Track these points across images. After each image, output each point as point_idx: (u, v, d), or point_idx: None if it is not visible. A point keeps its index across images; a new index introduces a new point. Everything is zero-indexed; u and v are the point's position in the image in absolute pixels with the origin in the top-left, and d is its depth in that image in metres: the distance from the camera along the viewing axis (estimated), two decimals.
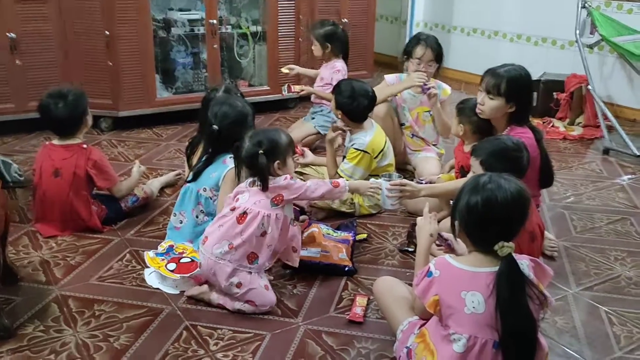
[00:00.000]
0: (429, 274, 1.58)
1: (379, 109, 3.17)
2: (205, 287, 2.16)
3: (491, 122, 2.49)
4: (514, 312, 1.48)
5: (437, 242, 1.91)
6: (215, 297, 2.13)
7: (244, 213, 2.07)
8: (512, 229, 1.56)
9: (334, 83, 3.65)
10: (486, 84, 2.40)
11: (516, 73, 2.38)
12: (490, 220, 1.53)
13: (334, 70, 3.70)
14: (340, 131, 2.90)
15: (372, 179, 2.48)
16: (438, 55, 3.16)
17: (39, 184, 2.61)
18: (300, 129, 3.80)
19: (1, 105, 3.79)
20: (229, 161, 2.39)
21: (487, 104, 2.41)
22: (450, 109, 3.18)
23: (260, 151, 2.09)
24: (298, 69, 3.93)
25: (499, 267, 1.51)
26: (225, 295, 2.11)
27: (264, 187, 2.11)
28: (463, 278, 1.54)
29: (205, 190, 2.42)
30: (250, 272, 2.08)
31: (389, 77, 3.34)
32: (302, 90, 3.73)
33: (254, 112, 2.55)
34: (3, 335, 1.92)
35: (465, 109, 2.65)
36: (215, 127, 2.38)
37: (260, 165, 2.09)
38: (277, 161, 2.13)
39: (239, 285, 2.06)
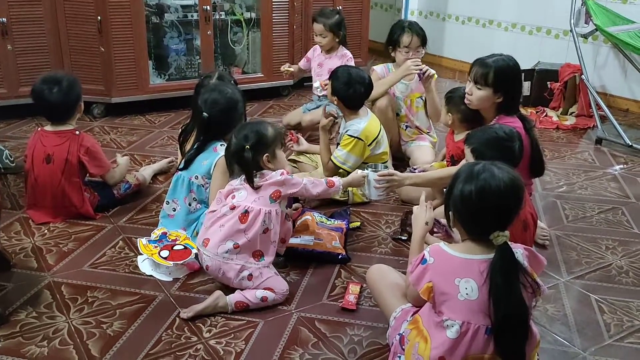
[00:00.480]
0: (423, 261, 1.59)
1: (381, 102, 3.13)
2: (217, 292, 2.05)
3: (480, 112, 2.49)
4: (506, 299, 1.49)
5: (435, 229, 1.92)
6: (231, 299, 2.03)
7: (246, 212, 2.05)
8: (507, 217, 1.56)
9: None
10: (474, 73, 2.40)
11: (504, 63, 2.37)
12: (484, 209, 1.53)
13: (347, 59, 3.69)
14: (332, 117, 2.89)
15: (358, 171, 2.47)
16: (424, 39, 3.17)
17: (31, 170, 2.59)
18: (295, 114, 3.81)
19: None
20: (219, 149, 2.38)
21: (475, 94, 2.41)
22: (436, 91, 3.19)
23: (247, 146, 2.06)
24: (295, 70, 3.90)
25: (494, 255, 1.52)
26: (241, 291, 2.06)
27: (249, 182, 2.08)
28: (457, 265, 1.55)
29: (197, 178, 2.41)
30: (259, 267, 2.08)
31: (378, 69, 3.31)
32: (290, 69, 3.77)
33: (245, 99, 2.53)
34: None
35: (454, 98, 2.64)
36: (205, 114, 2.36)
37: (247, 160, 2.07)
38: (266, 154, 2.11)
39: (249, 277, 2.05)
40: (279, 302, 2.08)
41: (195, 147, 2.43)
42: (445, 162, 2.79)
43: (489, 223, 1.53)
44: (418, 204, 2.59)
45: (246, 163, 2.09)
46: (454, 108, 2.63)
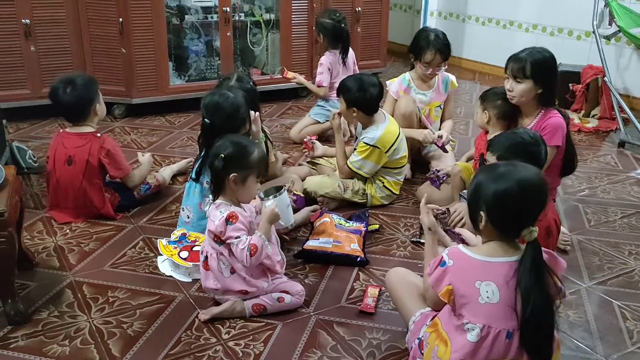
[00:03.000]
0: (442, 263, 1.58)
1: (406, 108, 3.09)
2: (232, 299, 2.01)
3: (521, 107, 2.49)
4: (536, 298, 1.48)
5: (451, 239, 1.90)
6: (248, 302, 2.01)
7: (206, 258, 2.00)
8: (540, 211, 1.56)
9: (317, 74, 3.75)
10: (511, 69, 2.42)
11: (539, 54, 2.40)
12: (526, 204, 1.52)
13: (319, 63, 3.79)
14: (338, 114, 2.89)
15: (264, 207, 2.02)
16: (447, 56, 3.14)
17: (53, 171, 2.62)
18: (300, 122, 3.83)
19: (16, 91, 3.81)
20: None
21: (516, 89, 2.41)
22: (454, 101, 3.19)
23: (222, 155, 1.94)
24: (300, 79, 3.93)
25: (525, 252, 1.51)
26: (258, 297, 2.02)
27: (214, 197, 2.00)
28: (477, 268, 1.54)
29: (208, 183, 2.34)
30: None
31: (393, 87, 3.23)
32: (294, 78, 3.87)
33: (254, 101, 2.47)
34: (18, 320, 1.95)
35: (489, 95, 2.64)
36: (207, 120, 2.30)
37: (215, 169, 1.96)
38: (235, 174, 1.95)
39: (259, 275, 2.02)
40: (298, 304, 2.07)
41: (202, 156, 2.38)
42: (469, 164, 2.77)
43: (526, 218, 1.52)
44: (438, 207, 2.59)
45: (214, 172, 1.98)
46: (490, 104, 2.61)
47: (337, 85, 3.75)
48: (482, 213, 1.55)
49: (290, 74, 3.91)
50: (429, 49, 3.08)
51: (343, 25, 3.80)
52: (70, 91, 2.58)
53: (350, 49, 3.87)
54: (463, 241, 1.88)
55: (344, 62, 3.83)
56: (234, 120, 2.34)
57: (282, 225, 2.14)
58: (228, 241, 1.93)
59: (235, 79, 2.73)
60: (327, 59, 3.77)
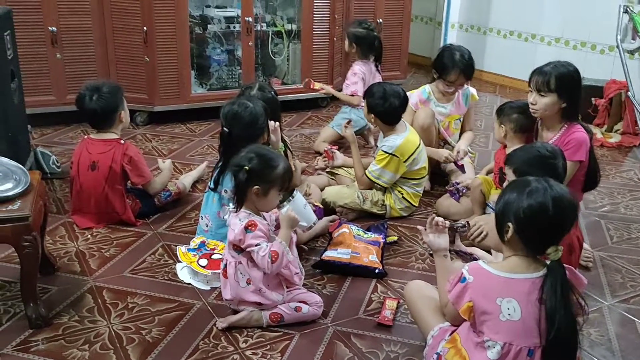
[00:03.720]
0: (462, 279, 1.57)
1: (424, 120, 3.07)
2: (248, 309, 2.01)
3: (545, 121, 2.47)
4: (561, 318, 1.47)
5: (462, 260, 1.89)
6: (266, 313, 2.01)
7: (225, 266, 2.01)
8: (568, 231, 1.55)
9: (349, 83, 3.72)
10: (535, 82, 2.40)
11: (564, 69, 2.38)
12: (558, 221, 1.51)
13: (352, 72, 3.77)
14: (347, 121, 2.92)
15: (281, 214, 2.03)
16: (470, 76, 3.14)
17: (76, 177, 2.66)
18: (324, 133, 3.83)
19: (41, 98, 3.87)
20: None
21: (540, 103, 2.39)
22: (474, 114, 3.18)
23: (246, 167, 1.94)
24: (328, 89, 3.93)
25: (550, 271, 1.50)
26: (275, 307, 2.02)
27: (237, 207, 2.00)
28: (498, 284, 1.52)
29: (226, 192, 2.35)
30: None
31: (413, 98, 3.19)
32: (322, 89, 3.84)
33: (275, 110, 2.48)
34: (39, 323, 1.97)
35: (505, 109, 2.64)
36: (226, 129, 2.31)
37: (238, 180, 1.96)
38: (257, 187, 1.95)
39: (274, 287, 2.03)
40: (316, 314, 2.06)
41: (220, 166, 2.39)
42: (489, 177, 2.75)
43: (554, 236, 1.51)
44: (457, 220, 2.58)
45: (236, 184, 1.98)
46: (506, 118, 2.61)
47: None
48: (510, 224, 1.53)
49: (317, 85, 3.90)
50: (453, 69, 3.07)
51: (376, 33, 3.80)
52: (97, 98, 2.62)
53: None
54: (475, 258, 1.87)
55: (378, 71, 3.82)
56: (252, 130, 2.35)
57: (305, 225, 2.15)
58: (248, 249, 1.94)
59: (257, 88, 2.75)
60: (361, 69, 3.73)
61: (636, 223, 2.93)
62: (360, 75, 3.72)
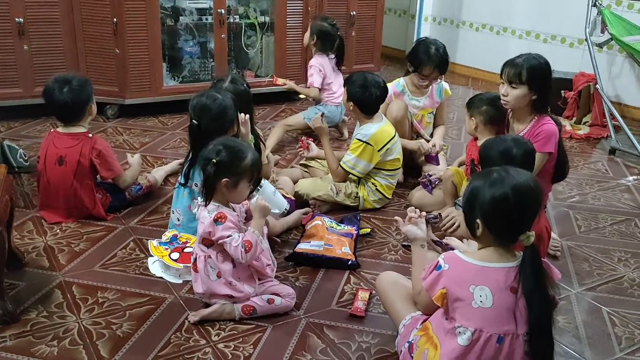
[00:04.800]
0: (437, 267, 1.59)
1: (397, 112, 3.08)
2: (220, 301, 2.00)
3: (515, 113, 2.51)
4: (539, 302, 1.50)
5: (442, 250, 1.91)
6: (238, 305, 2.00)
7: (195, 260, 1.99)
8: (535, 215, 1.56)
9: (312, 80, 3.73)
10: (507, 74, 2.43)
11: (535, 61, 2.41)
12: (521, 209, 1.52)
13: (309, 66, 3.80)
14: (320, 114, 2.93)
15: (253, 200, 2.04)
16: (445, 70, 3.16)
17: (43, 171, 2.61)
18: (293, 118, 3.84)
19: (8, 90, 3.79)
20: None
21: (511, 94, 2.42)
22: (447, 107, 3.22)
23: (214, 160, 1.92)
24: (291, 85, 3.92)
25: (524, 257, 1.53)
26: (248, 299, 2.01)
27: (206, 201, 1.98)
28: (472, 272, 1.54)
29: (197, 185, 2.32)
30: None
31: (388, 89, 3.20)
32: (285, 84, 3.83)
33: (247, 103, 2.46)
34: (7, 319, 1.93)
35: (474, 101, 2.66)
36: (194, 121, 2.29)
37: (207, 173, 1.94)
38: (227, 179, 1.94)
39: (246, 279, 2.02)
40: (288, 307, 2.06)
41: (189, 159, 2.37)
42: (461, 169, 2.78)
43: (522, 223, 1.53)
44: (430, 211, 2.60)
45: (205, 177, 1.95)
46: (476, 110, 2.63)
47: (332, 87, 3.77)
48: (478, 221, 1.56)
49: (280, 80, 3.91)
50: (428, 63, 3.08)
51: (339, 33, 3.82)
52: (67, 91, 2.56)
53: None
54: (452, 250, 1.89)
55: (339, 68, 3.83)
56: (221, 122, 2.32)
57: (277, 212, 2.16)
58: (220, 241, 1.93)
59: (229, 80, 2.73)
60: (317, 61, 3.77)
61: (603, 213, 2.99)
62: (316, 68, 3.74)
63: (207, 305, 2.04)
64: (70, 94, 2.57)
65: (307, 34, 3.87)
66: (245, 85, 2.76)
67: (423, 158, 3.25)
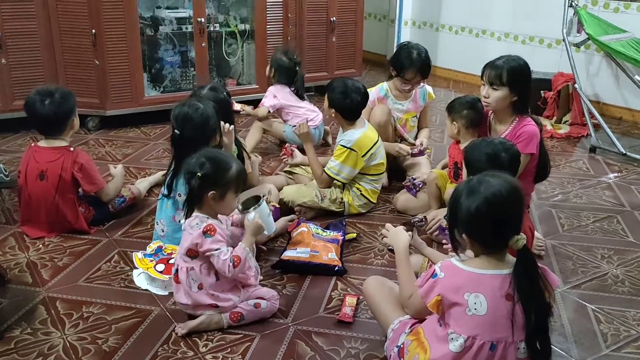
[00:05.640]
0: (434, 275, 1.59)
1: (380, 117, 3.10)
2: (207, 312, 1.98)
3: (497, 114, 2.53)
4: (536, 303, 1.50)
5: (444, 241, 1.91)
6: (226, 315, 1.99)
7: (177, 271, 1.97)
8: (518, 220, 1.56)
9: (263, 101, 3.65)
10: (488, 76, 2.45)
11: (515, 62, 2.44)
12: (497, 218, 1.52)
13: (268, 90, 3.72)
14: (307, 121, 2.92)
15: (250, 216, 2.05)
16: (427, 75, 3.18)
17: (24, 186, 2.58)
18: (275, 126, 3.77)
19: None
20: None
21: (492, 96, 2.45)
22: (430, 110, 3.27)
23: (199, 174, 1.90)
24: (247, 109, 3.72)
25: (517, 263, 1.52)
26: (234, 307, 2.00)
27: (187, 214, 1.97)
28: (467, 279, 1.54)
29: (180, 195, 2.31)
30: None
31: (370, 95, 3.10)
32: (242, 110, 3.69)
33: (227, 111, 2.44)
34: None
35: (455, 105, 2.67)
36: (176, 131, 2.27)
37: (191, 187, 1.92)
38: (213, 191, 1.93)
39: (229, 290, 2.01)
40: (274, 309, 2.06)
41: (172, 170, 2.35)
42: (445, 172, 2.79)
43: (505, 230, 1.53)
44: (415, 214, 2.60)
45: (190, 191, 1.94)
46: (457, 115, 2.65)
47: (298, 111, 3.68)
48: (464, 236, 1.57)
49: (237, 106, 3.83)
50: (410, 68, 3.10)
51: (298, 68, 3.72)
52: (49, 104, 2.53)
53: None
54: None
55: (299, 95, 3.75)
56: (204, 131, 2.31)
57: (265, 235, 2.15)
58: (207, 253, 1.92)
59: (209, 88, 2.72)
60: (274, 88, 3.68)
61: (586, 211, 3.02)
62: (271, 92, 3.66)
63: (191, 317, 2.02)
64: (53, 106, 2.53)
65: (269, 66, 3.79)
66: (225, 93, 2.75)
67: (408, 162, 3.26)
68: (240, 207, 2.08)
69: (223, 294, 1.98)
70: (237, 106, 3.78)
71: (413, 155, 3.15)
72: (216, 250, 1.90)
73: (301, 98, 3.77)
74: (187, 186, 1.96)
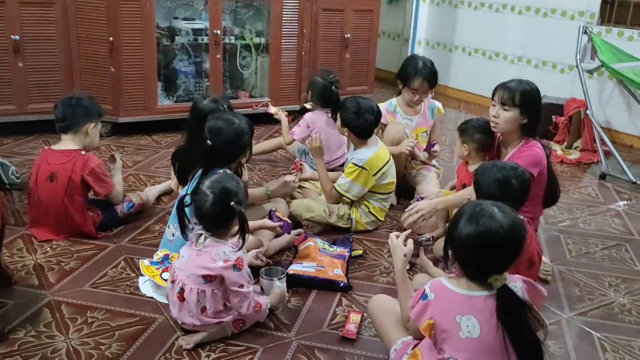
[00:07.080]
0: (424, 296, 1.58)
1: (394, 135, 3.13)
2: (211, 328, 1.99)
3: (505, 136, 2.53)
4: (523, 339, 1.49)
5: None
6: (230, 324, 2.00)
7: (182, 290, 1.95)
8: (506, 262, 1.54)
9: (295, 129, 3.48)
10: (500, 96, 2.46)
11: (527, 86, 2.46)
12: (483, 253, 1.51)
13: (302, 117, 3.53)
14: (317, 135, 2.93)
15: (277, 283, 2.17)
16: (434, 84, 3.19)
17: (34, 187, 2.60)
18: (292, 147, 3.68)
19: (2, 107, 3.79)
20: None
21: (502, 116, 2.45)
22: (440, 128, 3.29)
23: (233, 202, 1.92)
24: (282, 117, 3.64)
25: (497, 300, 1.51)
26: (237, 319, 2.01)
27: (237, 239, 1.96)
28: (458, 301, 1.54)
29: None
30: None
31: (380, 108, 3.12)
32: (277, 114, 3.67)
33: (252, 129, 2.45)
34: None
35: (468, 129, 2.68)
36: (209, 142, 2.30)
37: (241, 215, 1.93)
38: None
39: (229, 309, 2.00)
40: (266, 304, 2.07)
41: (198, 177, 2.33)
42: (453, 192, 2.79)
43: (487, 267, 1.52)
44: (420, 234, 2.60)
45: (240, 218, 1.93)
46: (469, 138, 2.65)
47: (330, 145, 3.44)
48: (450, 253, 1.58)
49: (273, 109, 3.78)
50: (417, 76, 3.13)
51: (334, 87, 3.46)
52: (77, 99, 2.65)
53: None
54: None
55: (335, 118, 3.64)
56: (236, 146, 2.35)
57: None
58: (232, 287, 1.93)
59: (210, 99, 2.71)
60: (310, 116, 3.50)
61: (594, 238, 3.01)
62: (305, 122, 3.47)
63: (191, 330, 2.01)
64: (77, 104, 2.63)
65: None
66: (226, 107, 2.72)
67: (418, 177, 3.25)
68: (263, 273, 2.19)
69: (225, 313, 1.99)
70: (272, 109, 3.78)
71: (425, 149, 3.15)
72: (241, 286, 1.94)
73: (334, 118, 3.45)
74: (237, 216, 1.94)
